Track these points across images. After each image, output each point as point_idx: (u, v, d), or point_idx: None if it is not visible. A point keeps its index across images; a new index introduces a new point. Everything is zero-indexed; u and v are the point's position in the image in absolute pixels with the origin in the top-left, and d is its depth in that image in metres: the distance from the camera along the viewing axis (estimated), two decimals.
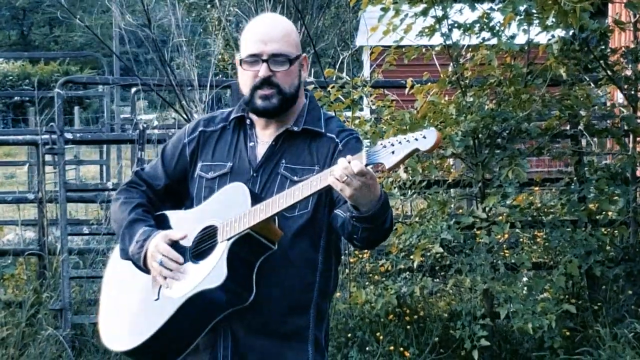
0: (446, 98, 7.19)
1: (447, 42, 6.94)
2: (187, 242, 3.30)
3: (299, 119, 3.41)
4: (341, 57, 8.99)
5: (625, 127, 7.42)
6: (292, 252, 3.30)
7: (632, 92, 7.38)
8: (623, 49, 7.21)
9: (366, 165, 2.95)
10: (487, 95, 7.21)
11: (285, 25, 3.38)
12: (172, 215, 3.48)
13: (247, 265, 3.19)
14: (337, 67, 8.37)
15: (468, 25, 6.90)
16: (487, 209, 6.93)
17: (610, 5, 11.44)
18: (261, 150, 3.41)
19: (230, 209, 3.22)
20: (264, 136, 3.43)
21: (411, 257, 7.16)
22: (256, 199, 3.21)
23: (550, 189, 8.39)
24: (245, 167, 3.39)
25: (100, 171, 14.71)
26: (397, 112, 7.12)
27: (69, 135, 7.61)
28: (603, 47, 7.11)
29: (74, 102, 24.35)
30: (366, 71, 19.19)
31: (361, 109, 8.29)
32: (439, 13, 6.85)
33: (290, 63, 3.32)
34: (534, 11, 6.58)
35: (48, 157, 10.13)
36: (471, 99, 7.07)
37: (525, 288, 6.93)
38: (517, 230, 7.42)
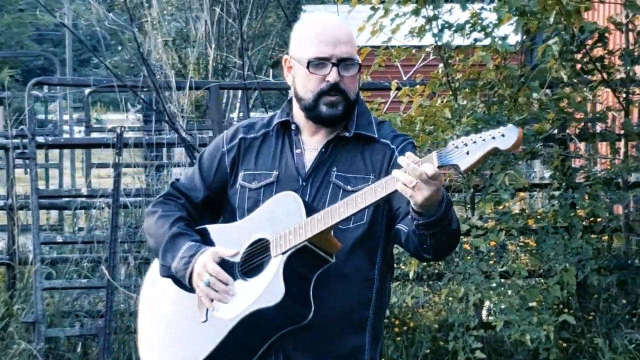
0: (439, 102, 6.95)
1: (439, 43, 6.72)
2: (236, 258, 3.02)
3: (349, 124, 3.15)
4: None
5: (621, 132, 7.25)
6: (348, 266, 3.04)
7: (625, 96, 7.22)
8: (621, 50, 7.01)
9: (438, 167, 2.72)
10: (480, 98, 6.98)
11: (348, 26, 3.14)
12: (214, 228, 3.19)
13: (303, 280, 2.93)
14: None
15: (461, 25, 6.70)
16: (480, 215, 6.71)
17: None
18: (309, 157, 3.14)
19: (281, 221, 2.95)
20: (311, 143, 3.16)
21: (401, 265, 6.93)
22: (310, 209, 2.94)
23: (539, 195, 8.18)
24: (292, 176, 3.12)
25: (60, 175, 14.23)
26: (387, 115, 6.87)
27: (40, 139, 7.25)
28: (601, 48, 6.92)
29: None
30: None
31: None
32: (430, 13, 6.63)
33: (358, 68, 3.09)
34: (534, 10, 6.40)
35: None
36: (464, 102, 6.84)
37: (519, 298, 6.72)
38: (503, 237, 7.19)
